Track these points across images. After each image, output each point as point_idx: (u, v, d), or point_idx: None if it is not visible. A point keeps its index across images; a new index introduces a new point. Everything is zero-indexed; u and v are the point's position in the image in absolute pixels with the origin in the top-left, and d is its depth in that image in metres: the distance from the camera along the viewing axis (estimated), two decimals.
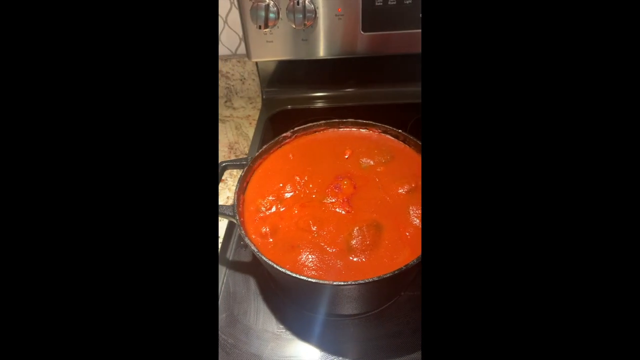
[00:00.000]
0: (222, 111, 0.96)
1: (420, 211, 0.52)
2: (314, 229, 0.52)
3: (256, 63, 0.92)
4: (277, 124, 0.89)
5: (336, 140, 0.64)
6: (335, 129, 0.66)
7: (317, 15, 0.75)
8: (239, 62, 0.95)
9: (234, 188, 0.74)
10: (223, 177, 0.76)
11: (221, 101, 1.00)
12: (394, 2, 0.74)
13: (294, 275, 0.45)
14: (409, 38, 0.78)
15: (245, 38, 0.80)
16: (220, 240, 0.65)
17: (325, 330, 0.54)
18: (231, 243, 0.65)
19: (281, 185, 0.58)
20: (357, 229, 0.50)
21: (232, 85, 0.99)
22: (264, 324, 0.55)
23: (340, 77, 0.93)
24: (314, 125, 0.65)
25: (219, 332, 0.54)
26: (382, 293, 0.55)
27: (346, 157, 0.61)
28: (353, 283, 0.44)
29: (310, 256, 0.49)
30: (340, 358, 0.51)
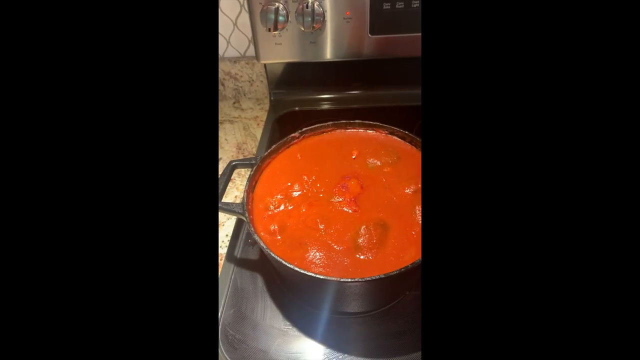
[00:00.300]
0: (231, 112, 0.98)
1: None
2: (321, 227, 0.52)
3: (265, 65, 0.93)
4: (284, 125, 0.91)
5: (343, 141, 0.65)
6: (343, 130, 0.67)
7: (326, 18, 0.77)
8: (247, 64, 0.96)
9: (242, 187, 0.75)
10: (232, 177, 0.77)
11: (230, 102, 1.01)
12: (402, 6, 0.75)
13: (302, 271, 0.46)
14: (416, 41, 0.79)
15: (254, 40, 0.81)
16: (229, 238, 0.67)
17: (330, 328, 0.55)
18: (239, 241, 0.66)
19: (289, 184, 0.59)
20: (364, 228, 0.51)
21: (241, 87, 1.01)
22: (271, 320, 0.56)
23: (347, 79, 0.94)
24: (321, 126, 0.66)
25: (227, 328, 0.55)
26: (387, 291, 0.56)
27: (353, 157, 0.62)
28: (359, 280, 0.45)
29: (317, 254, 0.50)
30: (345, 356, 0.52)
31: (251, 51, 0.96)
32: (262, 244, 0.49)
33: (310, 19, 0.75)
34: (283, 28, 0.78)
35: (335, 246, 0.51)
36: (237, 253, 0.65)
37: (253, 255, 0.64)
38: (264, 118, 0.94)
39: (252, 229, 0.51)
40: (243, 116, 0.97)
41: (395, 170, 0.60)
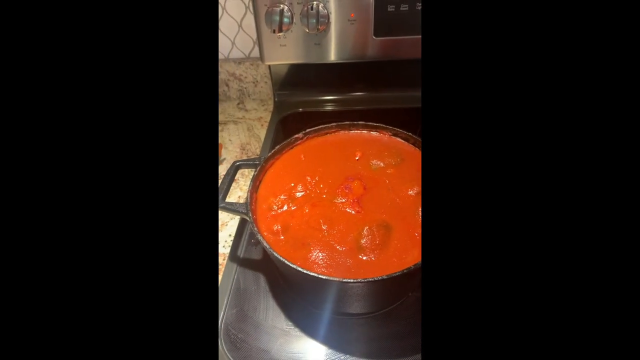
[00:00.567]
0: (235, 113, 0.98)
1: None
2: (324, 228, 0.53)
3: (269, 66, 0.94)
4: (288, 126, 0.91)
5: (347, 142, 0.66)
6: (346, 131, 0.67)
7: (330, 20, 0.77)
8: (252, 65, 0.96)
9: (245, 187, 0.76)
10: (235, 177, 0.77)
11: (234, 103, 1.02)
12: (406, 8, 0.75)
13: (304, 271, 0.46)
14: (420, 43, 0.79)
15: (259, 42, 0.82)
16: (232, 238, 0.67)
17: (332, 329, 0.55)
18: (242, 241, 0.66)
19: (293, 184, 0.59)
20: (367, 229, 0.51)
21: (245, 88, 1.01)
22: (273, 320, 0.56)
23: (351, 81, 0.94)
24: (325, 127, 0.67)
25: (229, 327, 0.55)
26: (390, 292, 0.56)
27: (357, 158, 0.63)
28: (362, 281, 0.45)
29: (320, 254, 0.50)
30: (347, 356, 0.52)
31: (256, 52, 0.96)
32: (265, 243, 0.49)
33: (314, 20, 0.75)
34: (288, 29, 0.78)
35: (338, 247, 0.51)
36: (240, 253, 0.65)
37: (256, 255, 0.65)
38: (268, 119, 0.94)
39: (256, 228, 0.52)
40: (247, 117, 0.97)
41: (398, 172, 0.60)
